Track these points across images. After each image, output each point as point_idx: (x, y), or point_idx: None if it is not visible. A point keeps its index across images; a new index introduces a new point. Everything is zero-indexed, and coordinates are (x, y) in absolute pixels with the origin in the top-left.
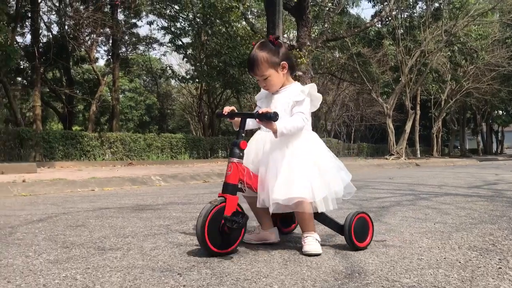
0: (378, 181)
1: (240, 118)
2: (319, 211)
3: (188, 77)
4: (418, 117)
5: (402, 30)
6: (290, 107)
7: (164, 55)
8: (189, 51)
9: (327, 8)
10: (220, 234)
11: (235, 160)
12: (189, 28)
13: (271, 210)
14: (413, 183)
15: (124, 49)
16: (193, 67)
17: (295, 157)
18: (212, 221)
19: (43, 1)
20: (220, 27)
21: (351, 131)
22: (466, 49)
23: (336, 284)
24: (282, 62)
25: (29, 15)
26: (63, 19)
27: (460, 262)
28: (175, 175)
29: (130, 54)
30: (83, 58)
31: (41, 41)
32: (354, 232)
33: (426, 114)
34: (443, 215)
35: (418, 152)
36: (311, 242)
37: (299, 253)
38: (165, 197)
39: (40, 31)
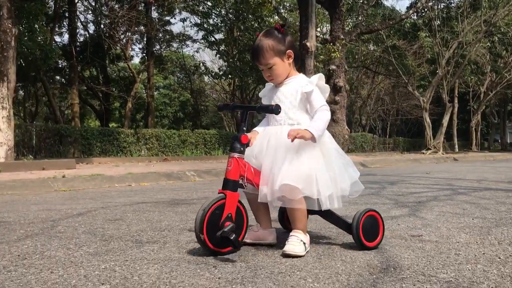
0: (415, 176)
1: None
2: (323, 208)
3: (221, 73)
4: (456, 110)
5: (438, 21)
6: (299, 99)
7: (197, 51)
8: (222, 47)
9: (361, 1)
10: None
11: (236, 155)
12: (222, 24)
13: (275, 204)
14: (451, 178)
15: (158, 47)
16: (225, 63)
17: (302, 150)
18: (211, 219)
19: (79, 1)
20: (253, 22)
21: (387, 126)
22: (507, 39)
23: (371, 278)
24: (288, 51)
25: (67, 15)
26: (99, 18)
27: (499, 258)
28: (209, 171)
29: (164, 52)
30: (118, 56)
31: (78, 40)
32: (362, 231)
33: (464, 107)
34: (482, 210)
35: (456, 146)
36: (294, 243)
37: (333, 247)
38: (200, 191)
39: (77, 30)
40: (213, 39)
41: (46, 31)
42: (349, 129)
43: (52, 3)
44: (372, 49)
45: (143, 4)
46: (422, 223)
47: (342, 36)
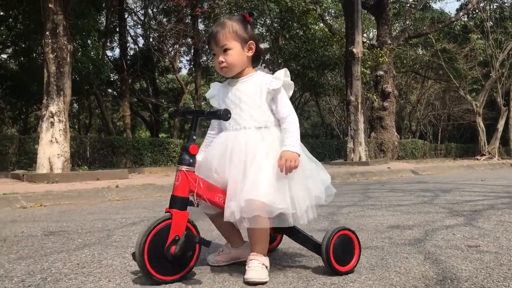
0: (469, 183)
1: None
2: (301, 222)
3: None
4: None
5: (491, 23)
6: (264, 98)
7: None
8: (267, 56)
9: (408, 5)
10: (165, 258)
11: (184, 168)
12: (267, 34)
13: (245, 225)
14: (508, 185)
15: (205, 58)
16: (271, 72)
17: (272, 158)
18: (154, 243)
19: (129, 16)
20: (298, 31)
21: (438, 131)
22: None
23: None
24: (250, 42)
25: (117, 30)
26: (148, 32)
27: None
28: None
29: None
30: (167, 68)
31: (129, 54)
32: (333, 253)
33: None
34: None
35: None
36: (257, 268)
37: (386, 258)
38: None
39: (128, 44)
40: None
41: (98, 46)
42: (398, 136)
43: (103, 19)
44: (421, 53)
45: (189, 17)
46: (479, 232)
47: (389, 41)
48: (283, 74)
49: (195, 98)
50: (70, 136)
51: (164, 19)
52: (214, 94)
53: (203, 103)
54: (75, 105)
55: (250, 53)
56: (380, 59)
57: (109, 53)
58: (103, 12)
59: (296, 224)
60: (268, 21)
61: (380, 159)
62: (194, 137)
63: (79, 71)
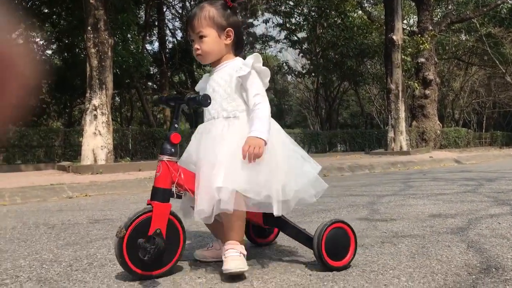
0: None
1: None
2: (275, 214)
3: (304, 71)
4: None
5: None
6: (234, 86)
7: (280, 51)
8: (305, 46)
9: None
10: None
11: (165, 158)
12: (304, 23)
13: (214, 218)
14: None
15: None
16: (309, 62)
17: (233, 148)
18: (134, 237)
19: (168, 10)
20: (336, 19)
21: (482, 119)
22: None
23: (469, 278)
24: (228, 29)
25: (156, 23)
26: (186, 25)
27: None
28: None
29: (248, 54)
30: None
31: (167, 47)
32: (326, 247)
33: None
34: None
35: None
36: (235, 257)
37: (427, 246)
38: None
39: (166, 38)
40: (295, 38)
41: (138, 40)
42: (441, 124)
43: (142, 13)
44: (464, 38)
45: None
46: None
47: (430, 27)
48: (253, 60)
49: None
50: (112, 128)
51: None
52: (201, 86)
53: None
54: (116, 98)
55: (228, 41)
56: (421, 46)
57: (148, 46)
58: (142, 7)
59: (275, 212)
60: (305, 10)
61: (421, 148)
62: (176, 125)
63: (120, 65)
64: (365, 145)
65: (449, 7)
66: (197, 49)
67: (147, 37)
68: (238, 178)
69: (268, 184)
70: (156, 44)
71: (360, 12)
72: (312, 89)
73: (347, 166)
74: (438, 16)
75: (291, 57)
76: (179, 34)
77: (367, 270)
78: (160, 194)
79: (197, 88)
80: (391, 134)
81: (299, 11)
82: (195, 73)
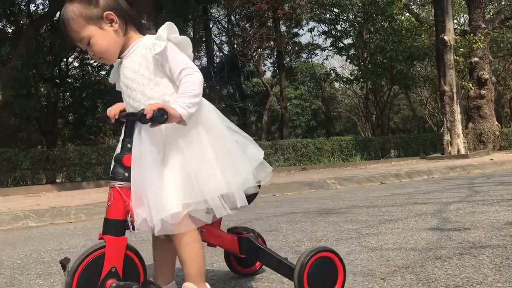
0: None
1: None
2: (223, 213)
3: (352, 77)
4: None
5: None
6: (153, 67)
7: (326, 59)
8: (352, 52)
9: None
10: None
11: (118, 184)
12: (350, 29)
13: (156, 232)
14: None
15: (288, 59)
16: (357, 67)
17: (174, 140)
18: (85, 277)
19: (214, 25)
20: (383, 23)
21: None
22: None
23: None
24: (106, 13)
25: (204, 39)
26: (232, 38)
27: None
28: (350, 178)
29: (294, 63)
30: (252, 72)
31: (215, 61)
32: (308, 280)
33: None
34: None
35: None
36: None
37: (511, 257)
38: (346, 200)
39: (214, 52)
40: (341, 44)
41: None
42: (499, 125)
43: (190, 30)
44: None
45: (271, 20)
46: None
47: (483, 25)
48: (166, 31)
49: (280, 99)
50: None
51: (247, 25)
52: (114, 78)
53: (288, 104)
54: None
55: (115, 26)
56: (474, 45)
57: (197, 62)
58: (190, 23)
59: (219, 215)
60: (351, 16)
61: (480, 151)
62: (129, 145)
63: None
64: (420, 150)
65: (503, 3)
66: (93, 55)
67: (196, 53)
68: (173, 197)
69: (208, 183)
70: (204, 59)
71: (407, 14)
72: (361, 95)
73: (404, 173)
74: (491, 13)
75: (338, 64)
76: (225, 48)
77: (450, 285)
78: (113, 227)
79: (110, 80)
80: (447, 137)
81: (345, 18)
82: (243, 85)
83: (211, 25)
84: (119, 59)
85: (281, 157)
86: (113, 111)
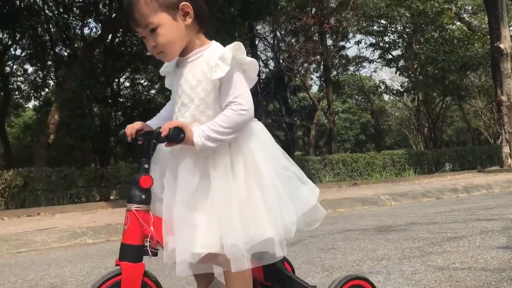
0: None
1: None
2: (278, 255)
3: (402, 89)
4: None
5: None
6: (210, 89)
7: (374, 71)
8: (401, 63)
9: None
10: None
11: (134, 207)
12: (399, 40)
13: (178, 272)
14: None
15: (335, 72)
16: (407, 79)
17: (211, 173)
18: None
19: (260, 42)
20: (433, 33)
21: None
22: None
23: None
24: (183, 3)
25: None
26: (278, 54)
27: None
28: (405, 193)
29: (341, 76)
30: (298, 87)
31: (261, 77)
32: None
33: None
34: None
35: None
36: None
37: None
38: (404, 216)
39: (260, 68)
40: (390, 56)
41: None
42: None
43: None
44: None
45: (317, 34)
46: None
47: None
48: (233, 52)
49: (328, 113)
50: None
51: (293, 40)
52: (167, 71)
53: (336, 118)
54: None
55: (189, 20)
56: None
57: None
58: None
59: (237, 268)
60: (399, 28)
61: None
62: (146, 165)
63: None
64: (476, 163)
65: None
66: (154, 46)
67: None
68: (197, 236)
69: (238, 229)
70: None
71: (458, 23)
72: (412, 107)
73: (461, 187)
74: None
75: (387, 76)
76: (271, 64)
77: None
78: (130, 253)
79: (162, 70)
80: (506, 150)
81: (393, 29)
82: (289, 100)
83: (257, 42)
84: (178, 58)
85: (331, 172)
86: (129, 129)
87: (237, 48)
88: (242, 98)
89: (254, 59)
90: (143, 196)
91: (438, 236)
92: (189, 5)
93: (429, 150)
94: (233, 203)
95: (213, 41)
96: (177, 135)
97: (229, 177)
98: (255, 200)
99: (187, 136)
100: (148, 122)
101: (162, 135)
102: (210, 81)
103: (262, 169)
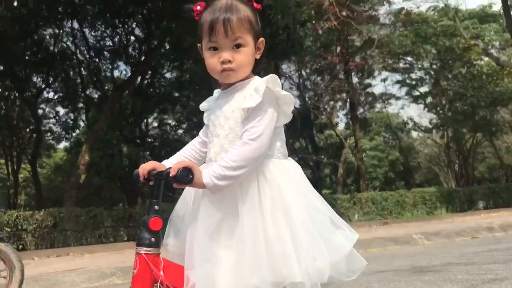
0: None
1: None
2: None
3: (431, 126)
4: None
5: None
6: (240, 119)
7: (402, 108)
8: (429, 100)
9: None
10: None
11: (144, 250)
12: (426, 77)
13: None
14: None
15: (361, 110)
16: (435, 115)
17: (247, 209)
18: None
19: (285, 81)
20: (461, 69)
21: None
22: None
23: None
24: (262, 38)
25: None
26: (303, 92)
27: None
28: (438, 232)
29: (368, 114)
30: (325, 124)
31: None
32: None
33: None
34: None
35: None
36: None
37: None
38: (439, 256)
39: None
40: (417, 93)
41: None
42: None
43: None
44: None
45: (343, 72)
46: None
47: None
48: (267, 84)
49: (356, 151)
50: None
51: (318, 78)
52: (206, 107)
53: (363, 155)
54: None
55: (258, 56)
56: None
57: None
58: None
59: None
60: (426, 64)
61: None
62: (157, 207)
63: None
64: (511, 201)
65: None
66: (229, 61)
67: None
68: (254, 270)
69: (289, 264)
70: None
71: (486, 59)
72: (442, 144)
73: (497, 226)
74: None
75: (414, 113)
76: (297, 102)
77: None
78: None
79: (202, 106)
80: None
81: (419, 66)
82: (315, 137)
83: (282, 81)
84: (221, 90)
85: (360, 210)
86: (142, 169)
87: (272, 80)
88: (256, 129)
89: (290, 94)
90: (153, 239)
91: (477, 278)
92: (263, 43)
93: (460, 188)
94: (260, 241)
95: (256, 76)
96: (186, 176)
97: (257, 214)
98: (284, 239)
99: (196, 177)
100: (166, 161)
101: (171, 175)
102: (240, 110)
103: (292, 207)
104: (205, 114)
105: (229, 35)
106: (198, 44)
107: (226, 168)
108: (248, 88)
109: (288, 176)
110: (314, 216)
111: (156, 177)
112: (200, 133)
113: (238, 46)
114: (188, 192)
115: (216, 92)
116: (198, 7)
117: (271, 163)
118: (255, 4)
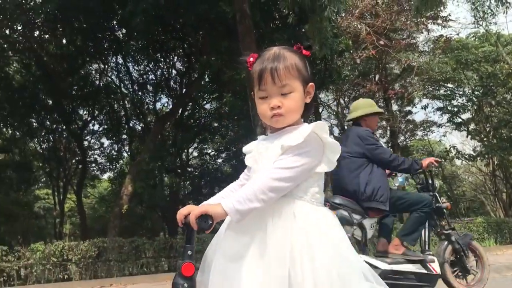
0: None
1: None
2: None
3: (475, 154)
4: None
5: None
6: (278, 155)
7: (444, 135)
8: (472, 127)
9: None
10: None
11: None
12: (468, 103)
13: None
14: None
15: (402, 138)
16: (479, 143)
17: (274, 248)
18: None
19: (323, 109)
20: (505, 95)
21: None
22: None
23: None
24: (311, 84)
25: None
26: (342, 121)
27: None
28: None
29: (409, 141)
30: None
31: None
32: None
33: None
34: None
35: None
36: None
37: None
38: None
39: None
40: (459, 120)
41: None
42: None
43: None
44: None
45: (382, 100)
46: None
47: None
48: (312, 129)
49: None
50: None
51: None
52: (248, 150)
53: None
54: None
55: (308, 100)
56: None
57: None
58: None
59: None
60: (468, 90)
61: None
62: (190, 252)
63: None
64: None
65: None
66: (278, 106)
67: None
68: None
69: None
70: None
71: None
72: (487, 172)
73: None
74: None
75: (457, 140)
76: (336, 131)
77: None
78: None
79: (245, 149)
80: None
81: (461, 92)
82: None
83: (320, 110)
84: (270, 133)
85: None
86: (179, 215)
87: (320, 127)
88: (285, 161)
89: (337, 142)
90: (186, 285)
91: None
92: (313, 88)
93: (510, 218)
94: (284, 283)
95: (305, 123)
96: (205, 222)
97: (286, 255)
98: (306, 285)
99: (215, 216)
100: (215, 196)
101: (191, 225)
102: (280, 146)
103: (317, 255)
104: (247, 156)
105: (277, 82)
106: (251, 93)
107: (247, 193)
108: (296, 132)
109: (319, 222)
110: (343, 266)
111: (187, 225)
112: (241, 175)
113: (286, 92)
114: (223, 227)
115: (260, 137)
116: (251, 59)
117: (304, 207)
118: (304, 51)
